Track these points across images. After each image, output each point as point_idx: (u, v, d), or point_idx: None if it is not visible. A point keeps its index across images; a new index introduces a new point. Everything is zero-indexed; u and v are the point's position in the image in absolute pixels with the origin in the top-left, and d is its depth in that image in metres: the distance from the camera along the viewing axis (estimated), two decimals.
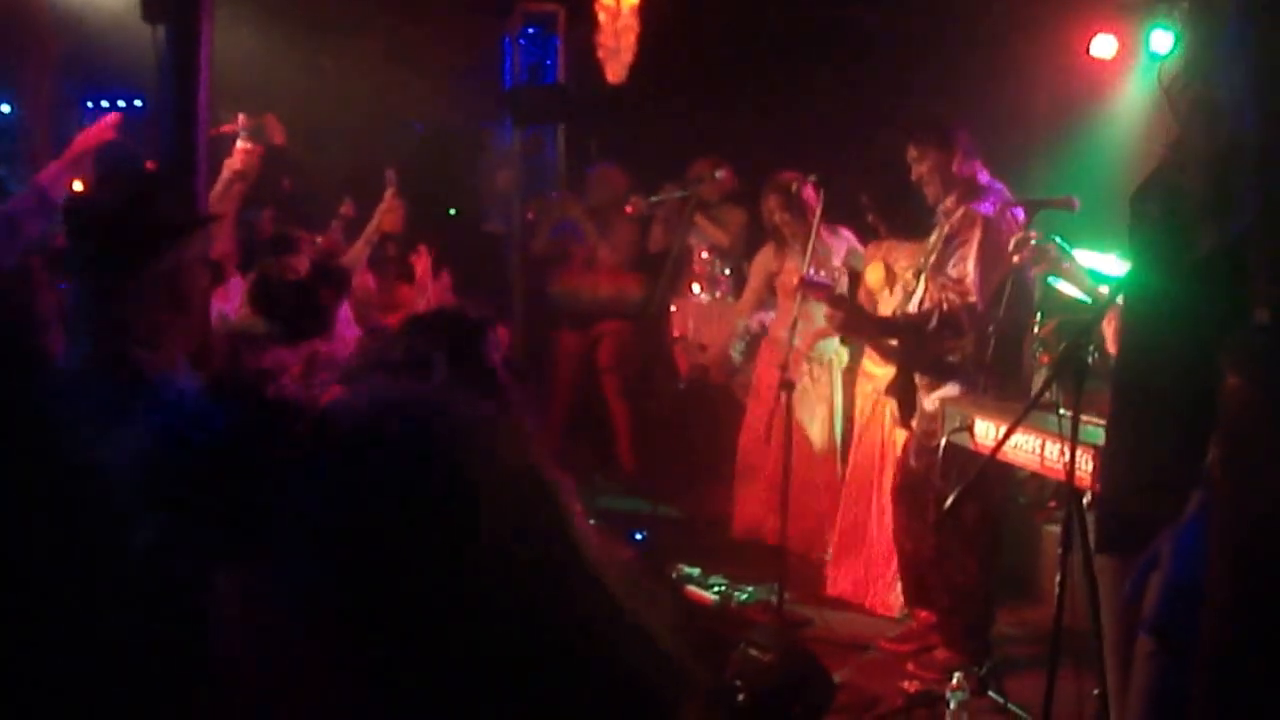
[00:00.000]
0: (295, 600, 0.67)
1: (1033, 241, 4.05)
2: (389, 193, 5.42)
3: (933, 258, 4.42)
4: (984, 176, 4.40)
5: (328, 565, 0.67)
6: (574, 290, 6.36)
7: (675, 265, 6.07)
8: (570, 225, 6.48)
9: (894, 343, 4.66)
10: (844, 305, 4.85)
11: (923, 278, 4.51)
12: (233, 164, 4.53)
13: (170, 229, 2.08)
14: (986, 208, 4.30)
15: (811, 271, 4.85)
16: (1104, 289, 4.11)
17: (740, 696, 3.89)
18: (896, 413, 4.74)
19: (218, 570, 0.68)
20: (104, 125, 4.08)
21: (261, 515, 0.68)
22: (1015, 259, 4.11)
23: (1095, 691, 3.33)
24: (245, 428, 0.71)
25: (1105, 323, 4.06)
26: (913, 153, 4.42)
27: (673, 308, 6.36)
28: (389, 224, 5.43)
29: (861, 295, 5.12)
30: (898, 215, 4.74)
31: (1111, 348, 4.10)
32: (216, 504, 0.68)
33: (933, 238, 4.47)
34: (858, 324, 4.81)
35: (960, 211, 4.33)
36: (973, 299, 4.27)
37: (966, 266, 4.27)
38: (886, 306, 4.84)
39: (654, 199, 6.12)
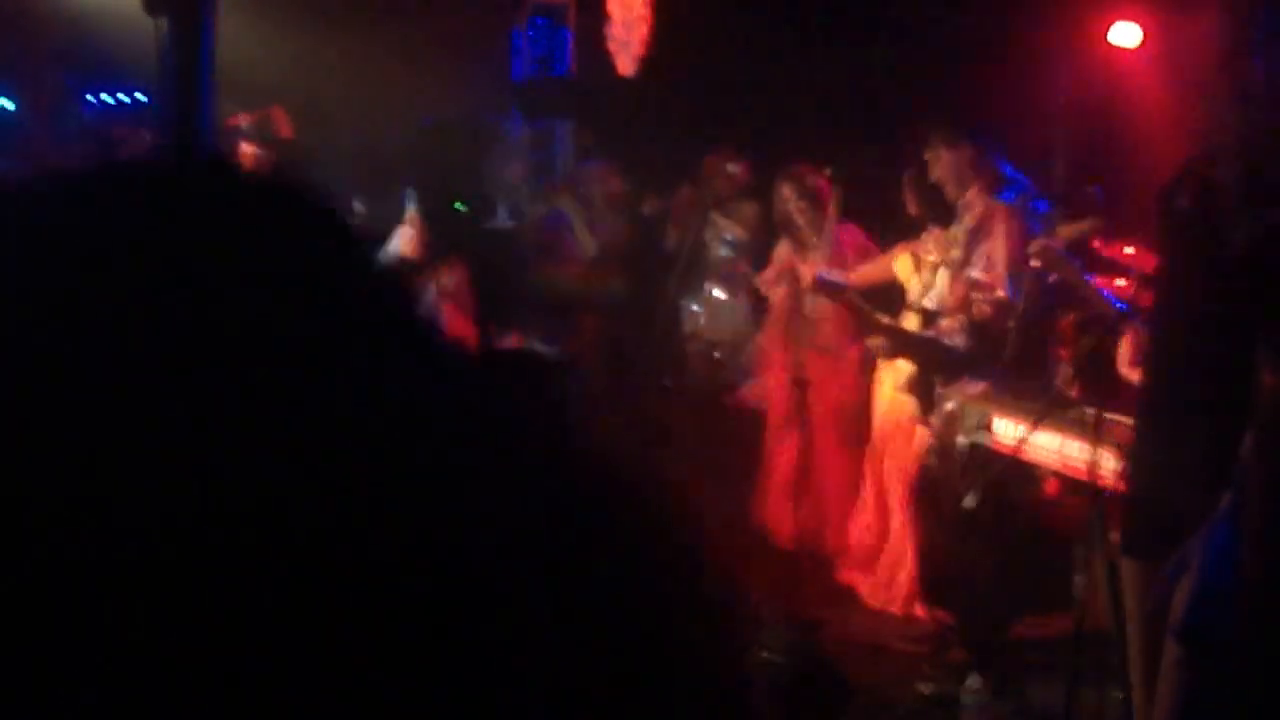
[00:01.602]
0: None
1: (1053, 248, 4.06)
2: (411, 214, 5.23)
3: (956, 252, 4.38)
4: (1006, 168, 4.37)
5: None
6: (552, 281, 6.30)
7: (689, 262, 6.01)
8: (559, 215, 6.42)
9: (910, 335, 4.62)
10: (858, 308, 4.81)
11: (942, 271, 4.46)
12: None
13: None
14: (1008, 198, 4.26)
15: (825, 271, 4.77)
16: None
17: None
18: (915, 410, 4.69)
19: None
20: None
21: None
22: (1034, 263, 4.08)
23: (1120, 696, 3.27)
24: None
25: (1124, 340, 3.99)
26: (928, 154, 4.43)
27: (693, 306, 6.31)
28: (408, 248, 5.26)
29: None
30: (939, 202, 4.69)
31: (1124, 368, 4.02)
32: None
33: (954, 229, 4.44)
34: (873, 328, 4.78)
35: (982, 204, 4.30)
36: (1001, 294, 4.23)
37: (995, 260, 4.24)
38: (914, 295, 4.81)
39: (666, 201, 6.12)
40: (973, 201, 4.36)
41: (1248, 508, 2.29)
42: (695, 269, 6.20)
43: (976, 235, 4.32)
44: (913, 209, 4.89)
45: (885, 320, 4.77)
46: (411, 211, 5.17)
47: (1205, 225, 2.57)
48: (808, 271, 5.14)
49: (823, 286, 4.75)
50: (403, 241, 4.93)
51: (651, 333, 6.23)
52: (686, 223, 6.13)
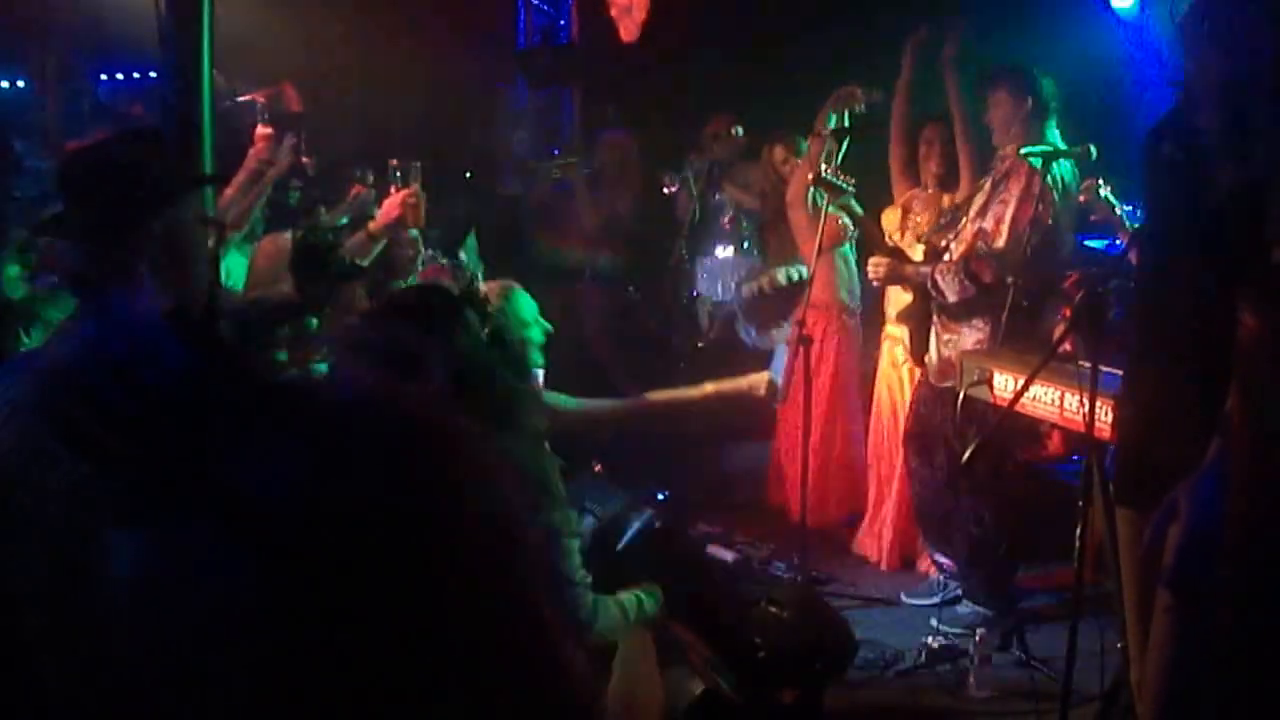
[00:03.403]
0: (201, 583, 0.58)
1: (1099, 190, 4.23)
2: (415, 187, 5.19)
3: (980, 199, 4.40)
4: (1053, 133, 4.35)
5: (252, 553, 0.58)
6: (553, 248, 6.32)
7: (698, 225, 6.03)
8: (567, 184, 6.43)
9: (909, 270, 4.64)
10: (855, 214, 4.83)
11: (965, 220, 4.49)
12: (258, 152, 4.39)
13: (166, 188, 2.03)
14: (1035, 157, 4.26)
15: (825, 168, 4.76)
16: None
17: (760, 654, 3.88)
18: (907, 343, 4.72)
19: (114, 527, 0.59)
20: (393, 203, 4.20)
21: (189, 475, 0.59)
22: (1081, 199, 4.26)
23: (1119, 645, 3.30)
24: (201, 372, 0.64)
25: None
26: (992, 95, 4.43)
27: (702, 269, 6.35)
28: (412, 219, 5.23)
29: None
30: (952, 170, 4.74)
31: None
32: (141, 450, 0.60)
33: (984, 181, 4.44)
34: (871, 243, 4.83)
35: (1012, 158, 4.32)
36: (1000, 244, 4.25)
37: (1005, 212, 4.26)
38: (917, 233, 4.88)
39: (681, 175, 6.13)
40: (1008, 154, 4.37)
41: (1233, 454, 2.31)
42: (705, 232, 6.23)
43: (998, 187, 4.35)
44: (931, 166, 4.91)
45: (888, 241, 4.80)
46: (414, 182, 5.14)
47: (1189, 171, 2.58)
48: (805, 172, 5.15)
49: (822, 183, 4.72)
50: (396, 209, 4.84)
51: (663, 297, 6.27)
52: (694, 188, 6.15)
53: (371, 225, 4.56)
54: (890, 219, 5.01)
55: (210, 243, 2.33)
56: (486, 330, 2.60)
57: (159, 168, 2.06)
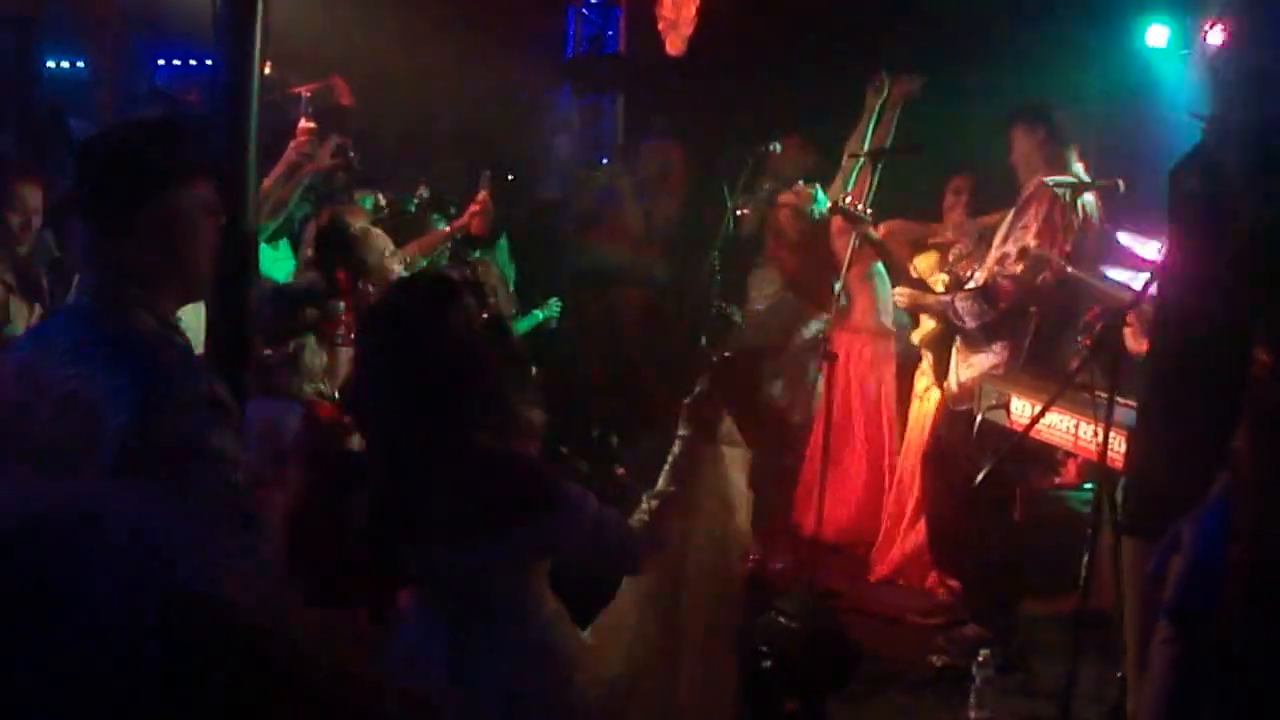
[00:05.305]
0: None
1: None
2: (483, 194, 5.23)
3: (1003, 227, 4.44)
4: (1075, 165, 4.37)
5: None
6: (596, 252, 6.38)
7: (752, 239, 6.13)
8: (614, 191, 6.50)
9: (931, 299, 4.69)
10: (876, 243, 4.86)
11: (993, 247, 4.54)
12: (299, 145, 4.42)
13: (162, 175, 2.07)
14: (1059, 186, 4.28)
15: (844, 199, 4.79)
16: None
17: (766, 663, 3.93)
18: (932, 364, 4.75)
19: None
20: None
21: None
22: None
23: (1118, 675, 3.32)
24: None
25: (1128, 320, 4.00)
26: (1011, 134, 4.48)
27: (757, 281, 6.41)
28: (477, 227, 5.29)
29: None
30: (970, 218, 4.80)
31: (1133, 343, 4.04)
32: None
33: (1010, 214, 4.48)
34: (891, 269, 4.86)
35: (1033, 186, 4.34)
36: (1019, 268, 4.27)
37: (1026, 237, 4.28)
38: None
39: (746, 197, 6.20)
40: (1030, 184, 4.41)
41: (1239, 489, 2.33)
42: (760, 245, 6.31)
43: (1020, 214, 4.39)
44: (954, 216, 4.95)
45: (911, 272, 4.85)
46: (484, 193, 5.16)
47: (1213, 206, 2.62)
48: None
49: (841, 211, 4.76)
50: (473, 221, 4.91)
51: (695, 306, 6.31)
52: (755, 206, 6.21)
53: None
54: (925, 262, 5.04)
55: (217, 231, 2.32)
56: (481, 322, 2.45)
57: (158, 155, 2.09)
